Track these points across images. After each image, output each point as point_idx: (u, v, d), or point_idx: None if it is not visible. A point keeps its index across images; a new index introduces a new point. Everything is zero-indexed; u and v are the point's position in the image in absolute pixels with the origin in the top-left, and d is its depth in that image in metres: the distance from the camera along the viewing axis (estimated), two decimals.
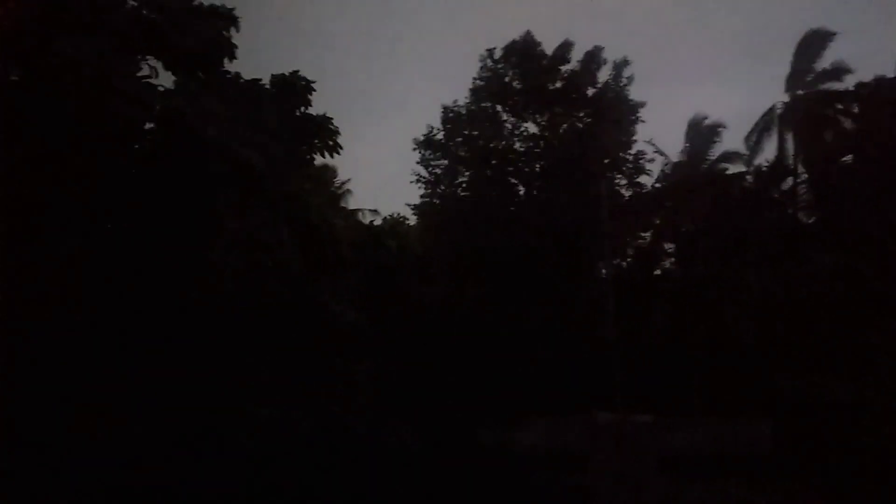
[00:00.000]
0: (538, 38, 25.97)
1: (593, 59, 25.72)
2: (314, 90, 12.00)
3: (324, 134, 12.08)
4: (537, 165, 25.69)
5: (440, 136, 26.41)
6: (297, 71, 12.43)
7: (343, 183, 29.88)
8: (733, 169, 25.32)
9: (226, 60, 11.77)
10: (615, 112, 25.08)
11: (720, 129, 25.27)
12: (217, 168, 10.20)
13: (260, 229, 11.11)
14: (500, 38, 27.31)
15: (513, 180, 25.90)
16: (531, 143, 25.95)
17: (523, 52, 25.84)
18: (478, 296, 21.09)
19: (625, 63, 25.58)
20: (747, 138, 26.16)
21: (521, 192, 25.85)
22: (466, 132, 26.23)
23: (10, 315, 8.97)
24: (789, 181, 24.75)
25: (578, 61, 25.84)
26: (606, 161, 25.15)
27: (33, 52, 9.35)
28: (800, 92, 25.24)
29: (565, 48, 25.87)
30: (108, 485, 8.90)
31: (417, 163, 26.56)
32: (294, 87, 12.02)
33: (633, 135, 25.60)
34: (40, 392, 9.10)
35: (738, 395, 18.49)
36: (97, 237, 10.20)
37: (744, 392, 18.42)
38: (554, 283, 22.25)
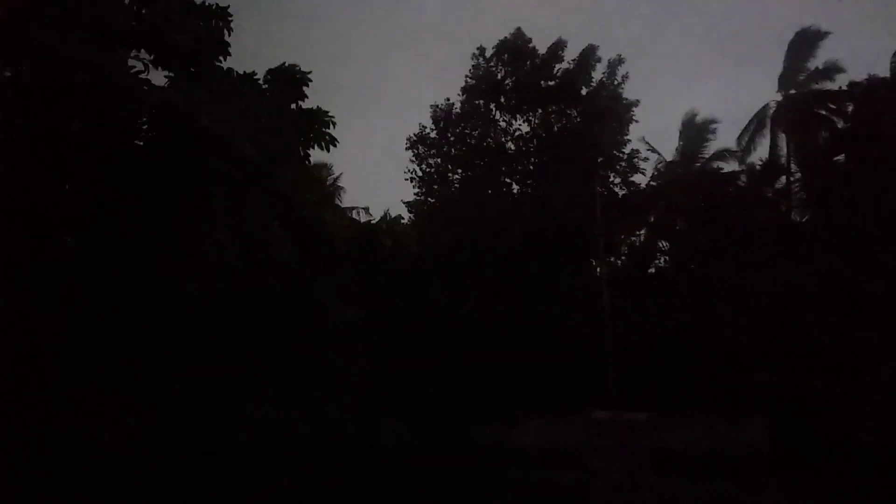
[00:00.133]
0: (531, 36, 26.03)
1: (588, 57, 25.71)
2: (310, 80, 11.80)
3: (319, 126, 11.89)
4: (531, 164, 25.66)
5: (434, 133, 26.34)
6: (293, 64, 12.23)
7: (335, 178, 29.74)
8: (727, 167, 25.50)
9: (220, 58, 11.62)
10: (609, 111, 25.10)
11: (713, 125, 25.45)
12: (211, 161, 10.04)
13: (255, 224, 10.97)
14: (498, 38, 27.11)
15: (506, 179, 25.85)
16: (524, 142, 25.91)
17: (514, 50, 25.80)
18: (473, 294, 21.01)
19: (619, 61, 25.60)
20: (740, 137, 26.34)
21: (515, 191, 25.80)
22: (459, 130, 26.16)
23: (10, 315, 8.82)
24: (783, 180, 24.87)
25: (572, 60, 25.83)
26: (600, 159, 25.16)
27: (16, 45, 9.16)
28: (792, 91, 25.38)
29: (559, 46, 25.85)
30: (105, 485, 8.76)
31: (411, 160, 26.52)
32: (289, 80, 11.83)
33: (627, 133, 25.69)
34: (38, 391, 8.94)
35: (733, 393, 18.48)
36: (90, 233, 10.03)
37: (739, 390, 18.41)
38: (548, 282, 22.20)
